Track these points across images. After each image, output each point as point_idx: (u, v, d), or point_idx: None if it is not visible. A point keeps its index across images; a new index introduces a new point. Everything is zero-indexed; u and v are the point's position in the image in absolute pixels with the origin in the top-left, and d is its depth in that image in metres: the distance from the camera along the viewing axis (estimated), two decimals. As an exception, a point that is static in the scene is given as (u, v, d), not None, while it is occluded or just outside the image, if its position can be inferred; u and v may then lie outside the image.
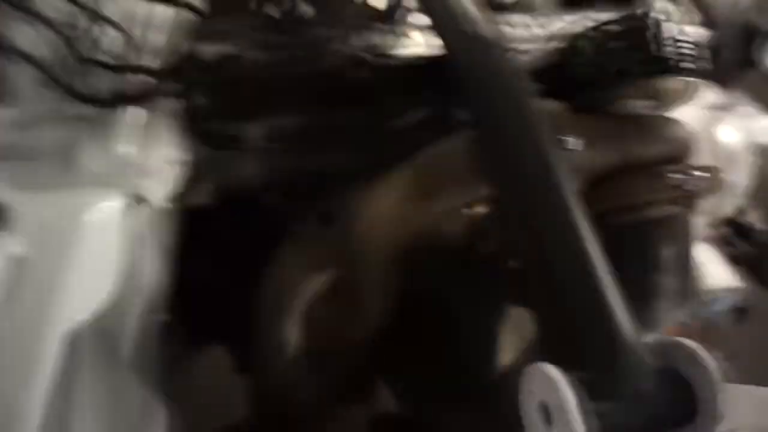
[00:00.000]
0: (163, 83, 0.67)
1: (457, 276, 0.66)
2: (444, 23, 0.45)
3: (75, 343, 0.37)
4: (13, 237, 0.34)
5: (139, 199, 0.54)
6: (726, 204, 0.66)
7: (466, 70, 0.40)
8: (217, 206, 0.86)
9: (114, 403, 0.46)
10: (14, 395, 0.30)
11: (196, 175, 0.81)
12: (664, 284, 0.48)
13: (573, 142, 0.46)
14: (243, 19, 0.74)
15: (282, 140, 0.70)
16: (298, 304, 0.68)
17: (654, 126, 0.50)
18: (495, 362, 0.53)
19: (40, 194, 0.40)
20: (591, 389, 0.28)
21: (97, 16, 0.73)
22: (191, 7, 0.78)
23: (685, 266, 0.51)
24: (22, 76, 0.60)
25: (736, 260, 0.72)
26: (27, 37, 0.62)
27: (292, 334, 0.69)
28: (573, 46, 0.53)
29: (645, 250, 0.48)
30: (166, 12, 0.82)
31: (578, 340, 0.30)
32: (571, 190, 0.35)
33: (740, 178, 0.65)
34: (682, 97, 0.53)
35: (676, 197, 0.49)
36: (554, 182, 0.35)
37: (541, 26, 0.75)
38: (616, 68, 0.48)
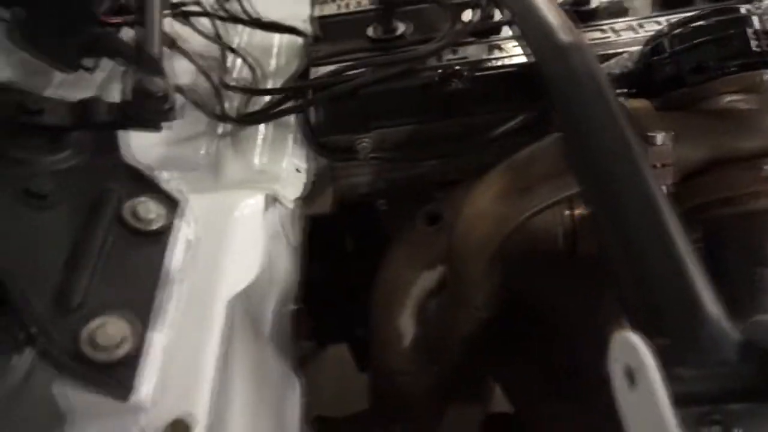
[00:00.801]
0: (285, 102, 0.77)
1: (560, 275, 0.68)
2: (532, 33, 0.49)
3: (231, 315, 0.45)
4: (188, 225, 0.43)
5: (273, 200, 0.63)
6: None
7: (551, 76, 0.43)
8: (337, 213, 0.95)
9: (260, 371, 0.54)
10: (193, 353, 0.38)
11: (319, 186, 0.90)
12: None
13: (662, 137, 0.47)
14: (351, 42, 0.82)
15: (389, 150, 0.77)
16: (411, 299, 0.73)
17: (749, 119, 0.49)
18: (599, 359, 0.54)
19: (200, 195, 0.50)
20: (674, 355, 0.30)
21: (227, 48, 0.86)
22: (306, 35, 0.89)
23: None
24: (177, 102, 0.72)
25: None
26: (172, 68, 0.74)
27: (407, 327, 0.74)
28: (656, 44, 0.53)
29: (748, 243, 0.47)
30: (285, 39, 0.94)
31: (660, 306, 0.32)
32: (650, 176, 0.36)
33: None
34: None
35: None
36: (635, 170, 0.36)
37: (642, 28, 0.76)
38: (701, 63, 0.49)
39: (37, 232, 0.35)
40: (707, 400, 0.30)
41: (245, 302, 0.54)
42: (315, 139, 0.78)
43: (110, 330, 0.34)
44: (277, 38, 0.94)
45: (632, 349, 0.29)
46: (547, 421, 0.76)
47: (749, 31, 0.49)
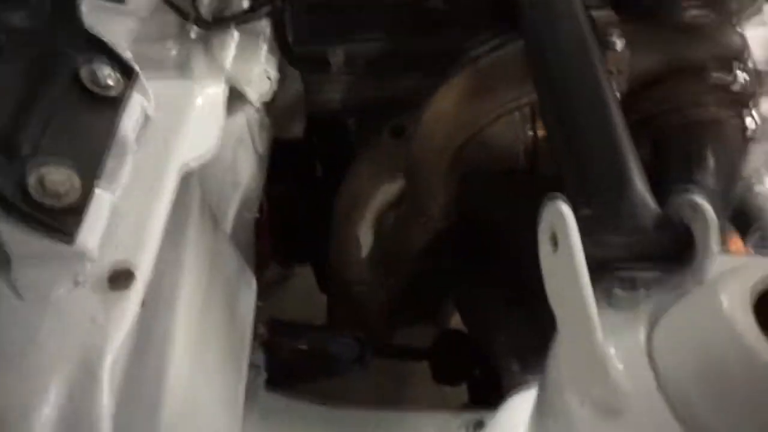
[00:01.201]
0: (259, 6, 0.76)
1: (516, 192, 0.70)
2: None
3: (185, 190, 0.47)
4: (146, 99, 0.44)
5: (237, 94, 0.63)
6: None
7: None
8: (308, 136, 0.96)
9: (214, 259, 0.56)
10: (140, 214, 0.40)
11: (292, 111, 0.90)
12: (705, 184, 0.49)
13: (621, 43, 0.48)
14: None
15: (362, 65, 0.77)
16: (370, 210, 0.75)
17: (704, 32, 0.51)
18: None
19: (166, 81, 0.50)
20: (596, 223, 0.32)
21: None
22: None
23: (730, 170, 0.51)
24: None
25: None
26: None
27: (366, 237, 0.76)
28: None
29: (689, 151, 0.50)
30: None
31: (591, 180, 0.34)
32: (601, 70, 0.38)
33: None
34: (744, 10, 0.53)
35: (723, 100, 0.50)
36: (587, 61, 0.38)
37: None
38: None
39: None
40: (622, 264, 0.32)
41: (201, 191, 0.55)
42: (288, 48, 0.78)
43: (57, 178, 0.35)
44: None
45: (558, 215, 0.31)
46: (495, 331, 0.79)
47: None
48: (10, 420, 0.32)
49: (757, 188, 0.65)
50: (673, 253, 0.32)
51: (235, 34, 0.76)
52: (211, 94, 0.52)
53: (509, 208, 0.72)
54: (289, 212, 0.96)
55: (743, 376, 0.24)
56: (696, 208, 0.32)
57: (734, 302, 0.26)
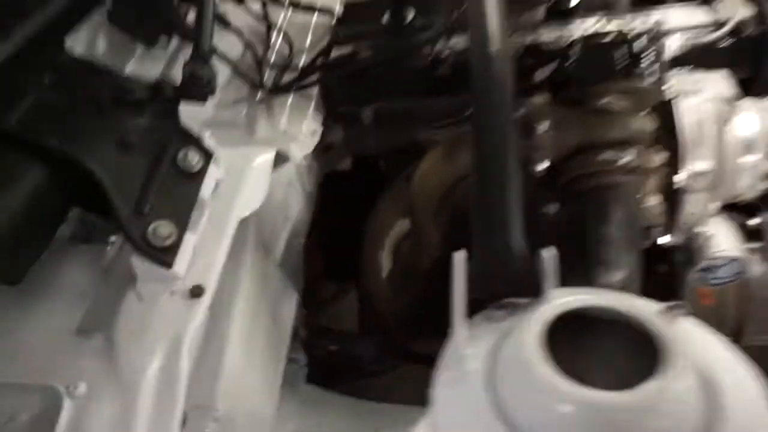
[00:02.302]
0: (310, 76, 0.98)
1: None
2: (472, 38, 0.66)
3: (243, 232, 0.68)
4: (218, 168, 0.66)
5: (284, 155, 0.85)
6: (742, 184, 0.76)
7: (473, 74, 0.60)
8: (352, 170, 1.16)
9: (263, 276, 0.78)
10: (212, 249, 0.61)
11: (338, 149, 1.12)
12: (610, 234, 0.64)
13: (542, 128, 0.65)
14: (368, 26, 1.01)
15: (388, 120, 0.97)
16: (389, 239, 0.95)
17: (615, 117, 0.66)
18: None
19: (230, 149, 0.72)
20: (482, 265, 0.49)
21: (271, 26, 1.07)
22: (334, 15, 1.08)
23: (630, 222, 0.66)
24: (221, 73, 0.94)
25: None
26: (225, 44, 0.97)
27: (385, 262, 0.96)
28: (567, 49, 0.70)
29: (599, 208, 0.65)
30: (320, 18, 1.13)
31: (484, 233, 0.50)
32: (513, 149, 0.54)
33: (759, 160, 0.75)
34: (650, 97, 0.69)
35: (622, 170, 0.65)
36: (501, 145, 0.54)
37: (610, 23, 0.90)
38: (594, 71, 0.65)
39: (126, 168, 0.58)
40: (495, 292, 0.50)
41: (257, 229, 0.77)
42: (331, 108, 0.99)
43: (164, 229, 0.57)
44: (314, 18, 1.14)
45: (457, 260, 0.50)
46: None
47: (629, 51, 0.65)
48: (127, 373, 0.54)
49: (697, 230, 0.79)
50: (529, 289, 0.50)
51: (290, 97, 0.99)
52: (262, 160, 0.73)
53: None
54: (339, 236, 1.16)
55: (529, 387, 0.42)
56: (540, 258, 0.50)
57: (531, 331, 0.43)
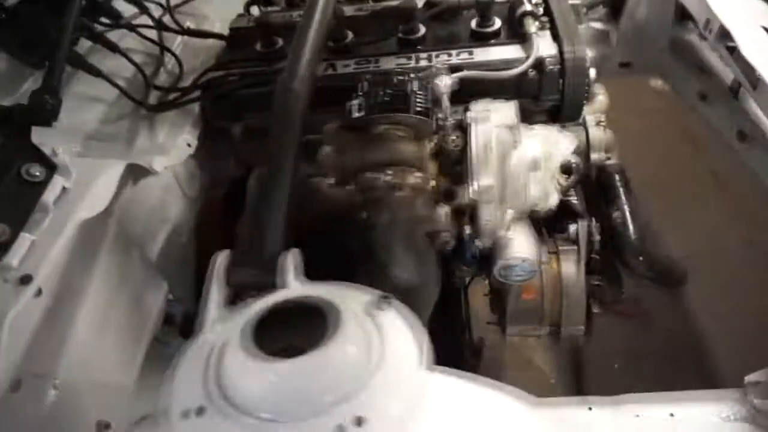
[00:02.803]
0: (189, 95, 1.12)
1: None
2: (286, 70, 0.80)
3: (90, 232, 0.82)
4: (64, 178, 0.79)
5: (140, 167, 0.98)
6: (534, 195, 0.90)
7: (273, 103, 0.75)
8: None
9: (122, 271, 0.91)
10: (50, 246, 0.75)
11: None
12: (376, 239, 0.78)
13: (325, 150, 0.79)
14: (244, 52, 1.15)
15: (254, 134, 1.10)
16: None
17: (383, 143, 0.80)
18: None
19: (83, 160, 0.86)
20: (243, 258, 0.63)
21: (163, 51, 1.21)
22: (222, 38, 1.22)
23: (405, 229, 0.80)
24: (108, 92, 1.08)
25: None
26: (116, 66, 1.10)
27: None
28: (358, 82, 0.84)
29: (374, 218, 0.79)
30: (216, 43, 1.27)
31: (249, 235, 0.64)
32: (288, 172, 0.68)
33: (543, 176, 0.89)
34: (419, 127, 0.85)
35: (389, 186, 0.80)
36: (282, 168, 0.68)
37: (457, 56, 1.05)
38: (370, 104, 0.80)
39: None
40: (249, 283, 0.64)
41: (120, 227, 0.91)
42: (206, 124, 1.13)
43: (-1, 230, 0.71)
44: (209, 42, 1.28)
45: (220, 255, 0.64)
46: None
47: (407, 89, 0.80)
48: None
49: (499, 235, 0.93)
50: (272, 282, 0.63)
51: (171, 114, 1.13)
52: (109, 171, 0.87)
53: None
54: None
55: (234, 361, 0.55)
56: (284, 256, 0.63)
57: (244, 318, 0.56)
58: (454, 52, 1.04)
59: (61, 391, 0.78)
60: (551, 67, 0.99)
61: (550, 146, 0.91)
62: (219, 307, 0.63)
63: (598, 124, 1.15)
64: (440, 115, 0.85)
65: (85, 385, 0.83)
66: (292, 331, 0.61)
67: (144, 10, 1.23)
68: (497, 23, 1.08)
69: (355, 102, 0.81)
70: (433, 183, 0.86)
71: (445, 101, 0.90)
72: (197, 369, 0.58)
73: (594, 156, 1.15)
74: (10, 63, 1.00)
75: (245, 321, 0.56)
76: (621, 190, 1.11)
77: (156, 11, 1.25)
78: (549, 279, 1.07)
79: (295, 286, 0.62)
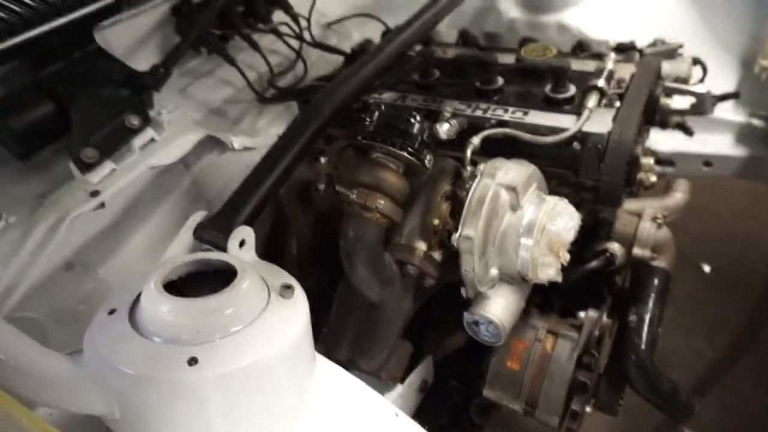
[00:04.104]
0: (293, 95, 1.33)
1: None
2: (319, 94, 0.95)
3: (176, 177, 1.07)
4: (155, 131, 1.05)
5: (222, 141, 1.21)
6: (523, 261, 0.90)
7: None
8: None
9: (177, 213, 1.15)
10: (117, 177, 1.01)
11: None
12: (342, 248, 0.86)
13: (323, 160, 0.90)
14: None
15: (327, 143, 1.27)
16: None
17: (375, 168, 0.87)
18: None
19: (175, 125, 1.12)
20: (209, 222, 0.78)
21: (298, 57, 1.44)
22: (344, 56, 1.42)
23: (359, 247, 0.85)
24: (238, 80, 1.34)
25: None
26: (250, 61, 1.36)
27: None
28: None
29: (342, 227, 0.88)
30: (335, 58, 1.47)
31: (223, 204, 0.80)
32: (287, 161, 0.82)
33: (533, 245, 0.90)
34: (411, 166, 0.89)
35: (364, 205, 0.85)
36: (282, 153, 0.82)
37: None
38: (372, 134, 0.89)
39: (93, 118, 1.01)
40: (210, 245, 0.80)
41: (193, 181, 1.16)
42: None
43: (89, 152, 0.98)
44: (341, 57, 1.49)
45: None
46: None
47: (407, 128, 0.88)
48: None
49: (480, 289, 0.95)
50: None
51: (278, 107, 1.36)
52: (190, 137, 1.11)
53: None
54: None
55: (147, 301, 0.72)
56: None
57: (161, 270, 0.71)
58: (511, 109, 1.08)
59: (97, 285, 1.04)
60: (592, 144, 0.97)
61: (550, 217, 0.90)
62: (176, 251, 0.80)
63: (654, 219, 1.07)
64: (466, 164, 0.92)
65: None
66: (204, 283, 0.75)
67: (295, 20, 1.49)
68: (572, 91, 1.08)
69: (369, 123, 0.91)
70: (400, 215, 0.92)
71: (468, 152, 0.95)
72: (134, 287, 0.75)
73: (637, 251, 1.07)
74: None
75: (171, 265, 0.71)
76: (652, 295, 1.02)
77: (303, 22, 1.51)
78: (537, 356, 1.04)
79: (234, 253, 0.76)
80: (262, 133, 1.30)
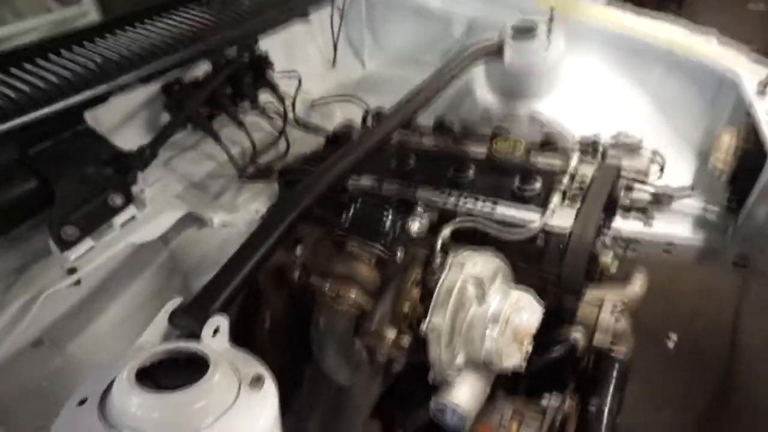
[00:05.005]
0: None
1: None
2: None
3: (151, 254, 1.09)
4: (136, 209, 1.09)
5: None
6: (488, 350, 0.94)
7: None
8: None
9: (155, 287, 1.16)
10: (94, 255, 1.03)
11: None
12: (313, 336, 0.88)
13: (299, 250, 0.94)
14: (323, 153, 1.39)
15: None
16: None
17: (349, 260, 0.91)
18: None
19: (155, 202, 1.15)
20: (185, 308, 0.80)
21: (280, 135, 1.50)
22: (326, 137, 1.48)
23: (329, 335, 0.88)
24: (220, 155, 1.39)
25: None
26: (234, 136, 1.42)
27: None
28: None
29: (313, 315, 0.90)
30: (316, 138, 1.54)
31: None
32: (265, 249, 0.85)
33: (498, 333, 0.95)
34: (383, 258, 0.93)
35: (335, 296, 0.88)
36: (259, 241, 0.85)
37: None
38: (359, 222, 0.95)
39: (75, 196, 1.04)
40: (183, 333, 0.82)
41: (172, 257, 1.18)
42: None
43: (70, 230, 1.01)
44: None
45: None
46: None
47: (381, 222, 0.93)
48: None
49: (446, 375, 0.98)
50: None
51: (258, 184, 1.40)
52: (172, 214, 1.14)
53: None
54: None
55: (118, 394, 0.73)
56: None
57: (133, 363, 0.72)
58: (480, 200, 1.14)
59: (65, 361, 1.03)
60: (554, 242, 1.03)
61: (514, 309, 0.95)
62: (151, 336, 0.81)
63: (613, 308, 1.12)
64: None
65: (87, 365, 1.08)
66: (176, 370, 0.76)
67: (281, 101, 1.56)
68: (538, 187, 1.15)
69: (343, 218, 0.96)
70: (370, 304, 0.96)
71: (438, 244, 1.00)
72: (105, 375, 0.76)
73: (598, 338, 1.12)
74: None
75: (144, 355, 0.73)
76: (612, 383, 1.06)
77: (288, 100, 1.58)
78: (503, 441, 1.06)
79: (207, 342, 0.78)
80: (241, 208, 1.33)
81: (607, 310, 1.10)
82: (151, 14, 1.31)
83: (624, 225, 1.40)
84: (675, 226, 1.60)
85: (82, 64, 1.11)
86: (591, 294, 1.17)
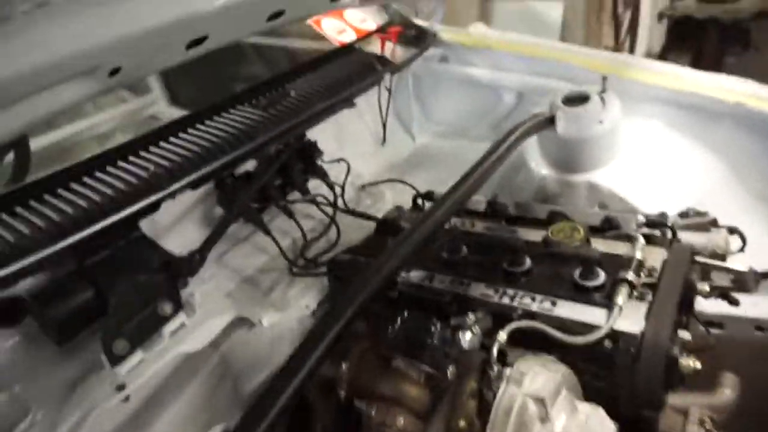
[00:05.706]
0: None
1: None
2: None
3: (202, 360, 1.08)
4: (186, 316, 1.08)
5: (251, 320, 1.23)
6: None
7: None
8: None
9: (206, 395, 1.14)
10: (144, 369, 1.02)
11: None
12: None
13: (344, 366, 0.89)
14: (375, 244, 1.35)
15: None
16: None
17: (396, 380, 0.85)
18: None
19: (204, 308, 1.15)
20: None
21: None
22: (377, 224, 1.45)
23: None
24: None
25: None
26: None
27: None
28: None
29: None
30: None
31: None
32: (300, 377, 0.81)
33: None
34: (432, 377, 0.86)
35: (383, 423, 0.81)
36: (297, 366, 0.82)
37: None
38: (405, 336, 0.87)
39: (128, 306, 1.04)
40: None
41: (223, 362, 1.16)
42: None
43: (120, 344, 1.01)
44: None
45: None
46: None
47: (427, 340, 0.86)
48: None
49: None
50: None
51: (308, 279, 1.38)
52: (220, 320, 1.13)
53: None
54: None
55: None
56: None
57: None
58: (539, 297, 1.06)
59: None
60: (624, 346, 0.93)
61: (583, 431, 0.85)
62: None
63: (701, 422, 0.99)
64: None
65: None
66: None
67: (331, 188, 1.56)
68: (601, 278, 1.06)
69: (391, 331, 0.91)
70: (419, 428, 0.88)
71: (494, 350, 0.93)
72: None
73: (686, 457, 0.99)
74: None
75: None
76: None
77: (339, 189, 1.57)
78: None
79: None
80: (292, 304, 1.31)
81: (694, 423, 0.98)
82: (202, 118, 1.36)
83: (707, 304, 1.26)
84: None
85: (135, 174, 1.15)
86: (673, 399, 1.05)
